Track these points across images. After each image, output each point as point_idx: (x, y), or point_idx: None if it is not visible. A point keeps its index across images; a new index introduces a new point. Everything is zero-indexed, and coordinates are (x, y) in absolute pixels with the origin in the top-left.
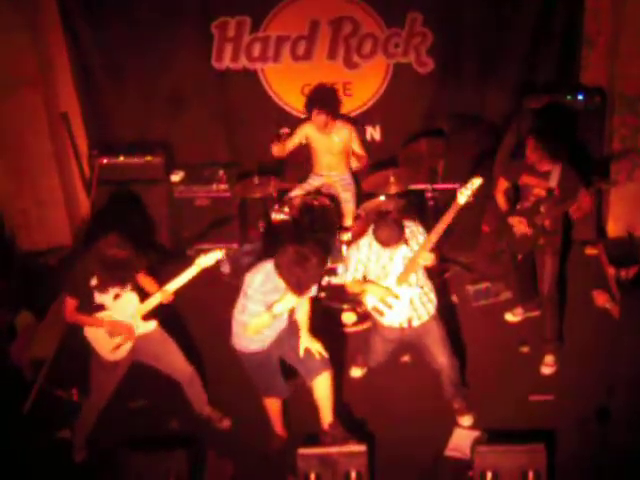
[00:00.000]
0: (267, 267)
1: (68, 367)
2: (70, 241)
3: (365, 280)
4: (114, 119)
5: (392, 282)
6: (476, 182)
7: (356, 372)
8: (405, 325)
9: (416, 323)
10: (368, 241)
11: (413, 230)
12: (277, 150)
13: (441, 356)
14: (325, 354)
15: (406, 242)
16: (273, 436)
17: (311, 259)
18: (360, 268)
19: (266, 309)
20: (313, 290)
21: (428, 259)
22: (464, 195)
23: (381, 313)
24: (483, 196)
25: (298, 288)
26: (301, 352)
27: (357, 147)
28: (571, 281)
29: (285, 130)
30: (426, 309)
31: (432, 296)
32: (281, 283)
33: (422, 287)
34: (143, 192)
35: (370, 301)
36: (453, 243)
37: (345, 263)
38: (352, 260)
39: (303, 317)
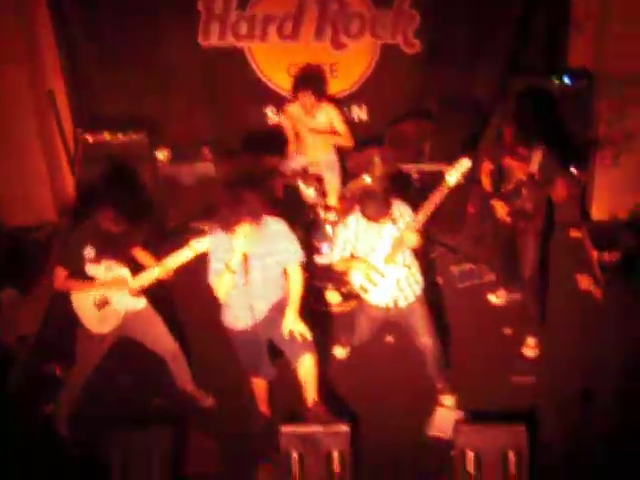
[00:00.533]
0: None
1: (52, 342)
2: (55, 218)
3: (352, 257)
4: (99, 96)
5: (379, 261)
6: (465, 164)
7: (340, 352)
8: (391, 305)
9: (402, 303)
10: (355, 219)
11: (401, 210)
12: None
13: (425, 336)
14: (309, 336)
15: (394, 221)
16: (257, 414)
17: (233, 198)
18: (348, 247)
19: (225, 267)
20: (298, 255)
21: (413, 241)
22: (452, 176)
23: (367, 291)
24: (469, 178)
25: (223, 223)
26: (285, 333)
27: (341, 128)
28: (555, 264)
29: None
30: (412, 290)
31: (419, 277)
32: (234, 240)
33: (409, 267)
34: (128, 170)
35: (356, 279)
36: (438, 224)
37: (329, 242)
38: (340, 238)
39: (293, 295)
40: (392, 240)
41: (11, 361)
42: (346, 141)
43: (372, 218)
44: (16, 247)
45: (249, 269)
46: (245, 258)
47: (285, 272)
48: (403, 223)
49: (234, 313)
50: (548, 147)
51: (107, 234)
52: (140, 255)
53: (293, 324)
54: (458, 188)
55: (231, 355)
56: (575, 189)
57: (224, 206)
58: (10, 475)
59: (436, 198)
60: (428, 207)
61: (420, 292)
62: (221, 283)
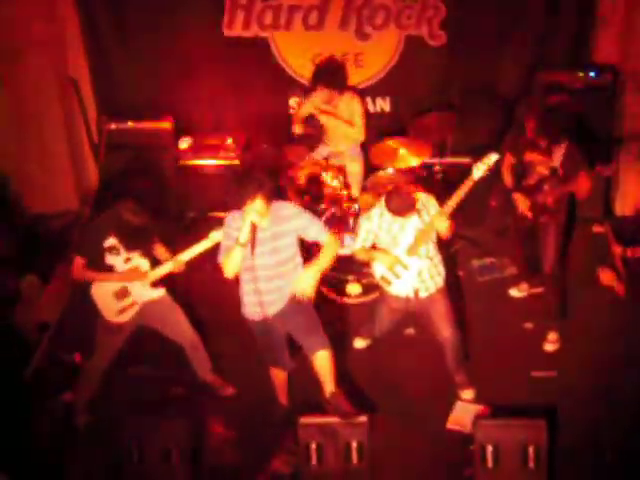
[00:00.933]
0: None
1: (72, 331)
2: (77, 206)
3: (374, 248)
4: (123, 84)
5: (402, 252)
6: (492, 157)
7: (360, 343)
8: (412, 296)
9: (423, 294)
10: (379, 211)
11: (425, 202)
12: (297, 128)
13: (446, 329)
14: (309, 296)
15: (418, 213)
16: (276, 405)
17: (245, 175)
18: (370, 237)
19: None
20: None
21: (444, 227)
22: (480, 170)
23: (388, 282)
24: (492, 171)
25: (235, 199)
26: (294, 287)
27: (357, 121)
28: (577, 259)
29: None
30: (434, 281)
31: (441, 269)
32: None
33: (431, 259)
34: (151, 158)
35: (378, 270)
36: (460, 218)
37: (352, 234)
38: (362, 229)
39: (322, 256)
40: (415, 232)
41: (31, 349)
42: (358, 134)
43: (397, 213)
44: (38, 235)
45: (257, 245)
46: (254, 229)
47: (296, 264)
48: (427, 215)
49: (247, 306)
50: (572, 142)
51: (127, 225)
52: (159, 251)
53: (305, 281)
54: (481, 181)
55: (251, 346)
56: (597, 185)
57: (236, 183)
58: (28, 463)
59: (461, 191)
60: (453, 200)
61: (442, 284)
62: (230, 258)
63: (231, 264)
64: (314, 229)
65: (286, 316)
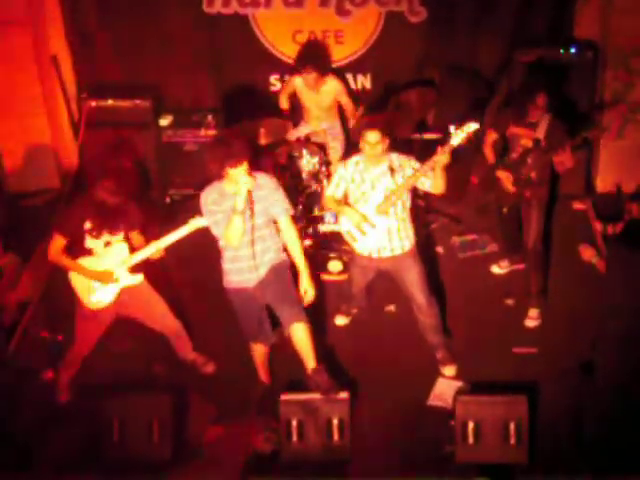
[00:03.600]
0: (213, 184)
1: (53, 308)
2: (58, 183)
3: (344, 202)
4: (104, 62)
5: (370, 210)
6: (472, 126)
7: (340, 320)
8: (374, 255)
9: (386, 254)
10: (356, 160)
11: (402, 163)
12: (282, 102)
13: (419, 295)
14: (302, 304)
15: (392, 173)
16: (257, 382)
17: (229, 137)
18: (342, 185)
19: (232, 213)
20: (287, 207)
21: (444, 160)
22: (458, 137)
23: (354, 238)
24: (473, 147)
25: (219, 170)
26: (303, 294)
27: (346, 100)
28: (558, 235)
29: None
30: (401, 244)
31: (410, 233)
32: (228, 190)
33: (403, 221)
34: (131, 136)
35: (345, 224)
36: (441, 195)
37: (332, 211)
38: (336, 175)
39: (297, 255)
40: (386, 191)
41: (11, 327)
42: (350, 113)
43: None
44: (19, 213)
45: (254, 210)
46: (250, 195)
47: (278, 233)
48: (401, 177)
49: (239, 274)
50: (555, 114)
51: (104, 206)
52: (135, 237)
53: (308, 289)
54: (462, 158)
55: (231, 322)
56: (578, 162)
57: (221, 150)
58: (11, 441)
59: (439, 157)
60: (429, 164)
61: (410, 248)
62: (231, 229)
63: (234, 233)
64: (280, 207)
65: (266, 285)
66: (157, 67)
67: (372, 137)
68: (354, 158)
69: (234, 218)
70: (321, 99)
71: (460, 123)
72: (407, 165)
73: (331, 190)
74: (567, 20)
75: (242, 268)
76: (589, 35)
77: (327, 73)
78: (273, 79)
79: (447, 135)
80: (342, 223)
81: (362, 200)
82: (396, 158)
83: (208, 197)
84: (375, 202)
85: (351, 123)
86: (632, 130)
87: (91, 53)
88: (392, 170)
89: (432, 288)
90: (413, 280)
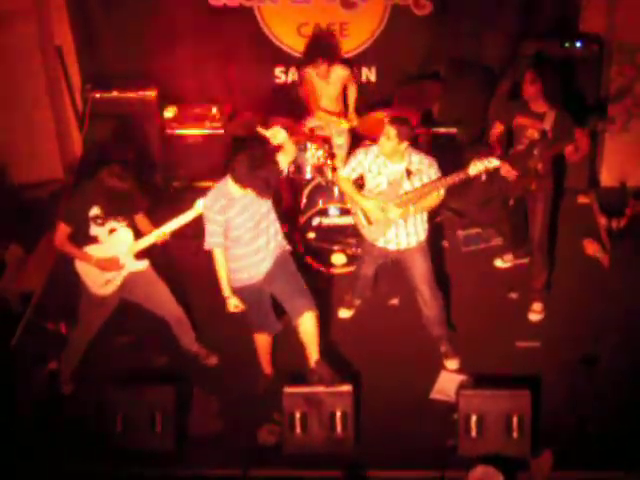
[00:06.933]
0: (217, 186)
1: (57, 300)
2: (62, 175)
3: (359, 187)
4: (108, 53)
5: (383, 201)
6: (493, 162)
7: (344, 313)
8: (380, 245)
9: (392, 247)
10: (376, 151)
11: (421, 168)
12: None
13: (424, 288)
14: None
15: (409, 173)
16: (260, 374)
17: (266, 158)
18: (358, 170)
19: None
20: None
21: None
22: (476, 168)
23: (363, 226)
24: (477, 141)
25: (267, 189)
26: None
27: (354, 87)
28: (562, 229)
29: None
30: (407, 239)
31: (420, 230)
32: (235, 194)
33: (412, 218)
34: (135, 127)
35: (357, 212)
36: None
37: (337, 204)
38: (355, 159)
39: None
40: (399, 190)
41: (15, 318)
42: (354, 100)
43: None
44: (22, 204)
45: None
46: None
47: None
48: (419, 180)
49: (239, 271)
50: (562, 107)
51: (112, 192)
52: (142, 222)
53: None
54: (466, 151)
55: (235, 315)
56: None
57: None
58: (14, 431)
59: (450, 180)
60: (441, 183)
61: (416, 244)
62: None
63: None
64: None
65: (272, 278)
66: (161, 59)
67: (391, 131)
68: (375, 149)
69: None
70: (331, 88)
71: (482, 155)
72: (425, 172)
73: (347, 171)
74: (573, 14)
75: (247, 265)
76: (595, 29)
77: (335, 62)
78: (278, 71)
79: (466, 163)
80: (354, 210)
81: (375, 192)
82: (416, 161)
83: (216, 203)
84: (387, 198)
85: (350, 109)
86: (637, 124)
87: (96, 44)
88: (409, 172)
89: (442, 290)
90: (419, 273)
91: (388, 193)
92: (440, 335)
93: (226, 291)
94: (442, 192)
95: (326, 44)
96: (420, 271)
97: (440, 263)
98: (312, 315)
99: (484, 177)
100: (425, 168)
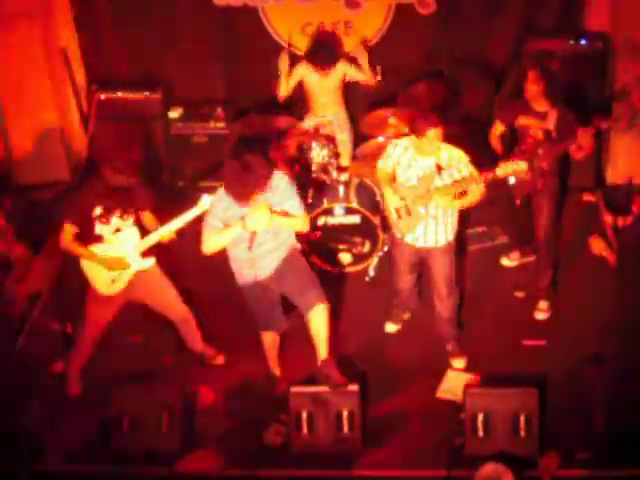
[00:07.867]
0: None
1: (63, 301)
2: (67, 176)
3: (393, 180)
4: (113, 54)
5: (411, 198)
6: (521, 165)
7: (391, 327)
8: (407, 240)
9: (419, 244)
10: (405, 145)
11: (452, 162)
12: (282, 89)
13: (442, 285)
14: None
15: (439, 170)
16: (267, 374)
17: (252, 167)
18: (389, 163)
19: (240, 221)
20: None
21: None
22: (503, 170)
23: (393, 218)
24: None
25: (245, 197)
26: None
27: (362, 76)
28: (568, 227)
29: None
30: (435, 238)
31: (449, 229)
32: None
33: (441, 217)
34: (141, 128)
35: (389, 206)
36: None
37: (342, 203)
38: (388, 151)
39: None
40: (428, 185)
41: (22, 319)
42: (371, 80)
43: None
44: (28, 205)
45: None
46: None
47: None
48: (448, 175)
49: (239, 271)
50: (565, 105)
51: (117, 190)
52: (148, 219)
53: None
54: (470, 151)
55: (241, 314)
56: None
57: (233, 179)
58: (20, 432)
59: (482, 177)
60: (463, 182)
61: (444, 243)
62: (220, 237)
63: (215, 243)
64: (294, 204)
65: (281, 276)
66: (166, 59)
67: (433, 134)
68: (404, 142)
69: (231, 230)
70: (328, 84)
71: (511, 158)
72: (456, 167)
73: (382, 163)
74: (577, 11)
75: (249, 264)
76: (600, 26)
77: (339, 60)
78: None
79: (495, 163)
80: (387, 203)
81: (407, 186)
82: (446, 156)
83: (220, 203)
84: (416, 192)
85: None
86: None
87: (101, 45)
88: (439, 168)
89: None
90: (442, 273)
91: (418, 188)
92: (449, 334)
93: None
94: (482, 187)
95: (329, 46)
96: (443, 272)
97: None
98: (324, 308)
99: (513, 180)
100: (455, 162)
